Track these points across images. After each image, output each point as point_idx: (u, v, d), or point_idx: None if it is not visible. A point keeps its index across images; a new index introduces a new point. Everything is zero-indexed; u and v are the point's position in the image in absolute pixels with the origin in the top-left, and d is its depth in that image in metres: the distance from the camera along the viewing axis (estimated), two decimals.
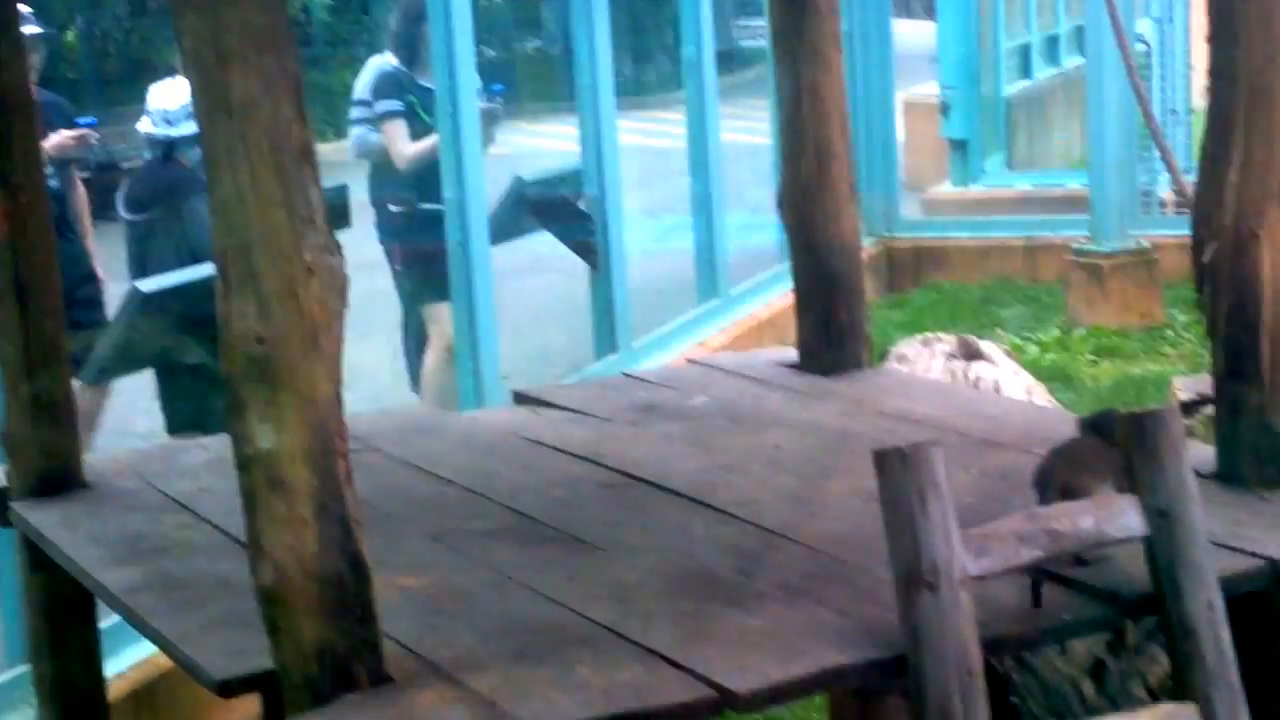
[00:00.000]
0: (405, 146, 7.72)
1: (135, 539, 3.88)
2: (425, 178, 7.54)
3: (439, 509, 4.04)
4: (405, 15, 7.82)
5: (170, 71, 8.34)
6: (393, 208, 7.83)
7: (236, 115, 2.76)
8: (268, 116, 2.76)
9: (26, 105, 4.05)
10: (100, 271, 7.41)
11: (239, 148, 2.77)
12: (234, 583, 3.36)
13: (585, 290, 8.35)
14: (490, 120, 7.50)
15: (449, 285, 7.02)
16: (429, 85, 7.37)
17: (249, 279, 2.79)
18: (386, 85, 7.82)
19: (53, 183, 6.91)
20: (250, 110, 2.75)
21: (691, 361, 5.75)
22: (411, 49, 7.78)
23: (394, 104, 7.76)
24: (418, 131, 7.70)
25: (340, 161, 7.95)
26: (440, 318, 7.61)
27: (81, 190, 7.48)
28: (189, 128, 6.72)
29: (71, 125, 7.26)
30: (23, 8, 7.32)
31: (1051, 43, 16.92)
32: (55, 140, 7.06)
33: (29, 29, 7.13)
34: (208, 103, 2.80)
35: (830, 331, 5.00)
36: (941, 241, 11.72)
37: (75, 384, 6.59)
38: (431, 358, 7.82)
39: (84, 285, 7.16)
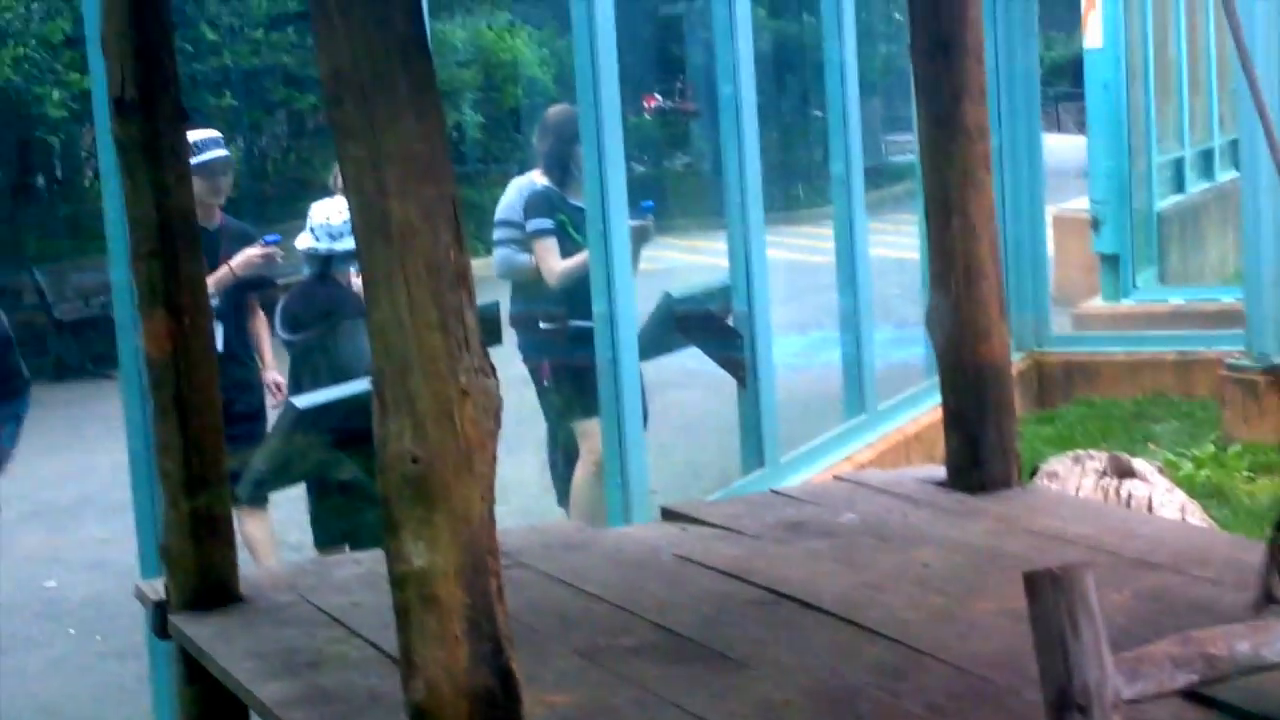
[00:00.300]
0: (557, 263, 7.80)
1: (289, 652, 3.94)
2: (573, 295, 7.62)
3: (587, 625, 4.07)
4: (558, 136, 7.93)
5: (325, 190, 8.53)
6: (543, 325, 7.92)
7: (395, 241, 2.84)
8: (426, 243, 2.83)
9: (190, 230, 4.17)
10: (279, 378, 7.54)
11: (397, 273, 2.84)
12: (386, 697, 3.40)
13: (733, 405, 8.38)
14: (640, 237, 7.58)
15: (598, 401, 7.08)
16: (579, 204, 7.48)
17: (405, 400, 2.85)
18: (538, 204, 7.92)
19: (214, 301, 7.09)
20: (409, 237, 2.83)
21: (839, 478, 5.75)
22: (563, 168, 7.88)
23: (546, 222, 7.86)
24: (567, 250, 7.79)
25: (486, 277, 8.07)
26: (590, 433, 7.66)
27: (260, 310, 7.65)
28: (352, 242, 6.86)
29: (255, 244, 7.42)
30: (212, 132, 7.55)
31: (1205, 156, 16.78)
32: (242, 259, 7.22)
33: (218, 153, 7.34)
34: (367, 228, 2.88)
35: (979, 450, 4.98)
36: (1092, 356, 11.63)
37: (239, 510, 6.74)
38: (581, 473, 7.87)
39: (255, 401, 7.33)
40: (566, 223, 7.81)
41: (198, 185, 7.18)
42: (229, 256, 7.24)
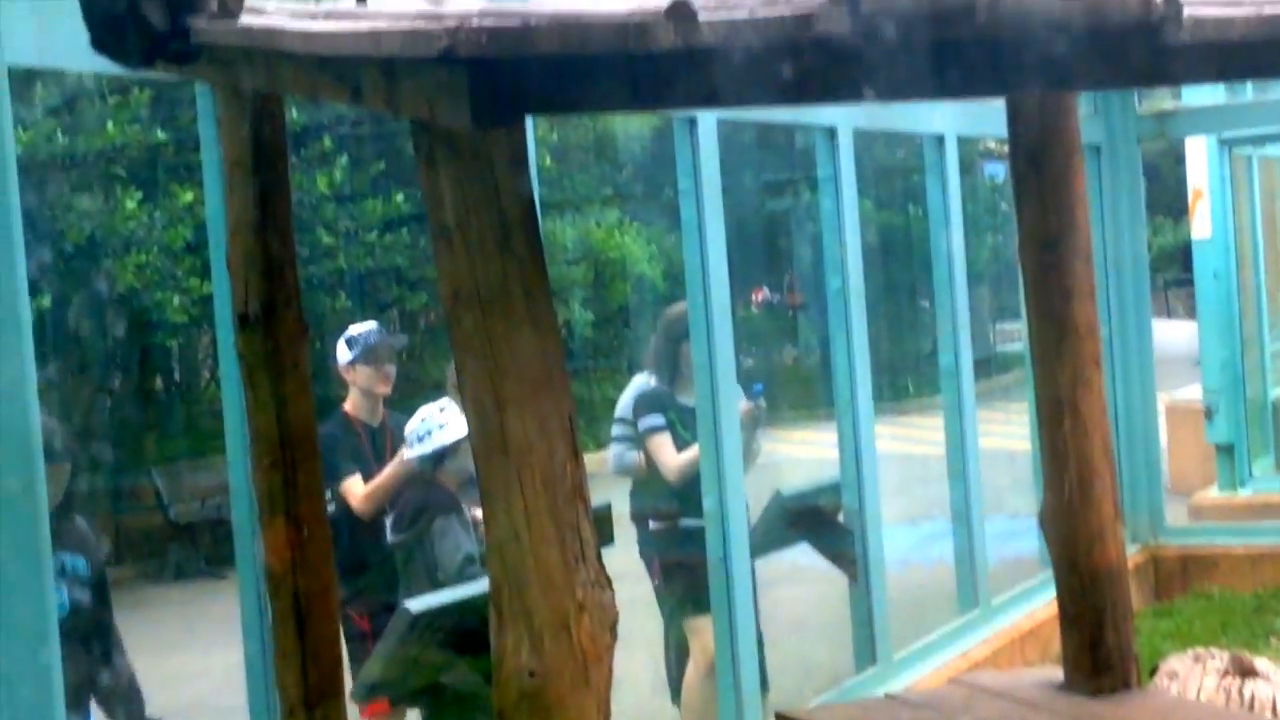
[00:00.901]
0: (672, 458, 7.84)
1: None
2: (686, 494, 7.64)
3: None
4: (667, 336, 8.01)
5: (439, 388, 8.63)
6: (652, 524, 7.94)
7: (512, 455, 2.88)
8: (542, 457, 2.87)
9: (310, 440, 4.21)
10: None
11: (514, 487, 2.87)
12: None
13: (844, 601, 8.32)
14: (753, 422, 7.62)
15: (709, 599, 7.06)
16: (688, 404, 7.52)
17: (522, 614, 2.87)
18: (648, 402, 7.98)
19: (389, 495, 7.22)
20: (525, 452, 2.87)
21: (954, 682, 5.69)
22: (673, 368, 7.94)
23: (657, 419, 7.92)
24: (677, 447, 7.83)
25: (599, 473, 8.11)
26: (701, 631, 7.63)
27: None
28: (452, 434, 6.95)
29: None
30: (371, 324, 7.69)
31: None
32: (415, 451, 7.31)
33: (381, 339, 7.46)
34: (485, 444, 2.92)
35: (1097, 653, 4.93)
36: (1210, 548, 11.46)
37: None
38: (692, 672, 7.83)
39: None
40: (675, 422, 7.86)
41: (364, 375, 7.40)
42: (394, 452, 7.37)
